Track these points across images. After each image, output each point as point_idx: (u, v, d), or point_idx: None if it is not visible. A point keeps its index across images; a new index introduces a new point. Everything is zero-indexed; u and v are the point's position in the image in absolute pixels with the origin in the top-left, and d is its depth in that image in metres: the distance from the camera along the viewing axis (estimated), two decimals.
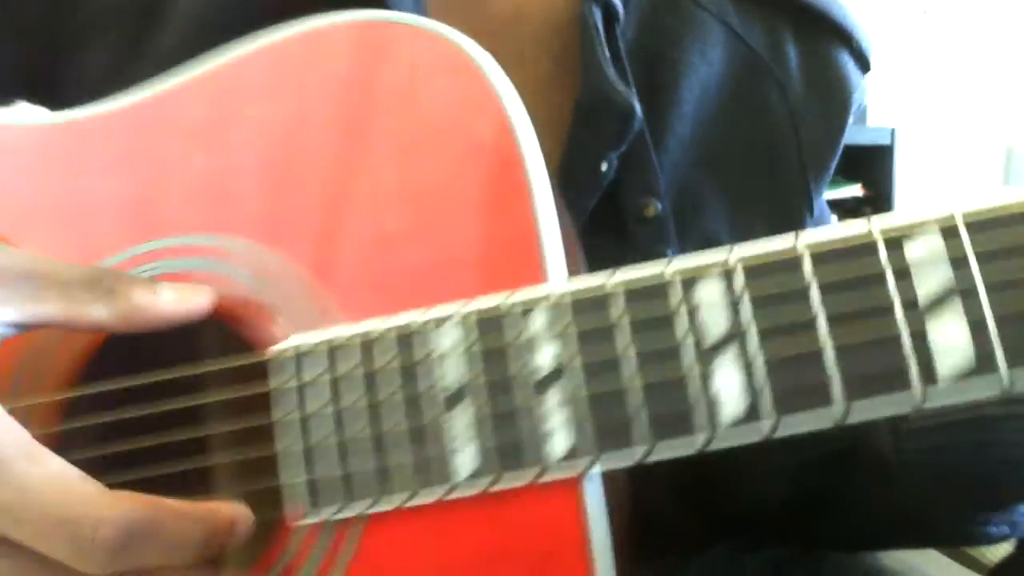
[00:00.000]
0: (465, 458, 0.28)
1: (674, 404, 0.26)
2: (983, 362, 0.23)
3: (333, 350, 0.30)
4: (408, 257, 0.32)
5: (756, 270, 0.26)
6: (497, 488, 0.28)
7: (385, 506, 0.29)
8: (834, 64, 0.48)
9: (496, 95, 0.33)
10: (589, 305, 0.27)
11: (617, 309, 0.27)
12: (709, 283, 0.26)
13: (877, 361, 0.24)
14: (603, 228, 0.42)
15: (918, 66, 2.93)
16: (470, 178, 0.32)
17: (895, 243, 0.25)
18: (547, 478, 0.28)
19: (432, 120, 0.33)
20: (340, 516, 0.30)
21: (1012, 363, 0.23)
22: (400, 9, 0.38)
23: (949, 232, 0.24)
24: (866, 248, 0.25)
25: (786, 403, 0.25)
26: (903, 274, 0.24)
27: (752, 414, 0.25)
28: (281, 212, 0.34)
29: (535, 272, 0.30)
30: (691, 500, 0.46)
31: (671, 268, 0.27)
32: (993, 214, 0.24)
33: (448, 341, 0.28)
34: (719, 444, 0.26)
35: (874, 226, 0.25)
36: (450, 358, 0.28)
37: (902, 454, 0.40)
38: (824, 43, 0.48)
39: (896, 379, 0.24)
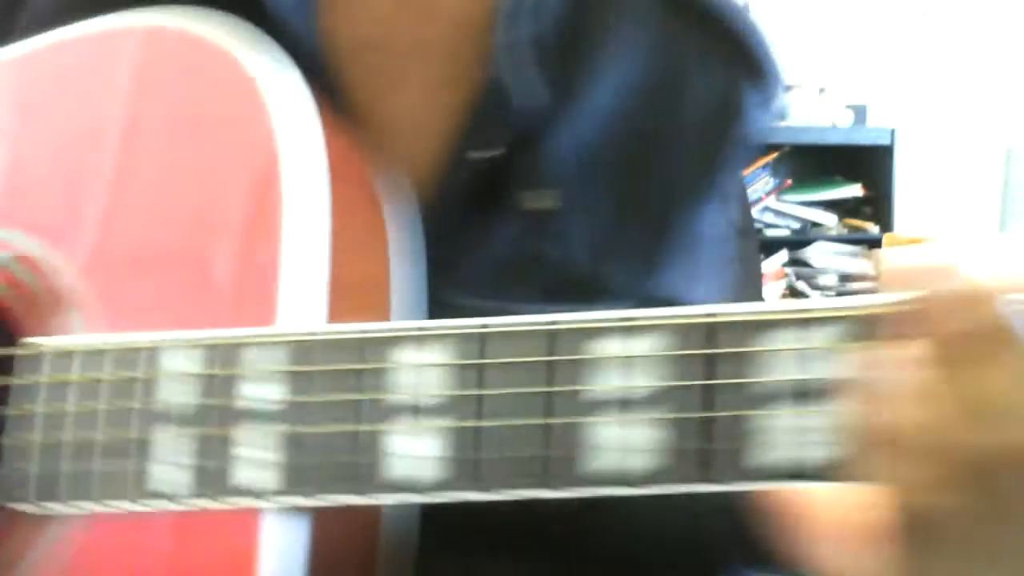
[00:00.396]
0: (164, 475, 0.30)
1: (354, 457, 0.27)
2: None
3: (68, 355, 0.31)
4: (167, 276, 0.33)
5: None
6: (189, 508, 0.29)
7: (98, 508, 0.30)
8: (736, 95, 0.47)
9: (270, 127, 0.33)
10: (305, 351, 0.29)
11: (323, 358, 0.28)
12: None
13: None
14: (489, 215, 0.42)
15: (918, 66, 2.93)
16: (232, 206, 0.33)
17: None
18: (232, 506, 0.29)
19: (202, 139, 0.34)
20: (60, 513, 0.31)
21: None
22: (282, 9, 0.39)
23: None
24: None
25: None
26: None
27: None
28: (63, 214, 0.35)
29: (270, 309, 0.31)
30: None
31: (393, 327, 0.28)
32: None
33: (174, 365, 0.30)
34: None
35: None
36: (172, 381, 0.30)
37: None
38: (732, 72, 0.47)
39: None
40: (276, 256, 0.31)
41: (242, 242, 0.32)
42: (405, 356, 0.28)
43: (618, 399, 0.25)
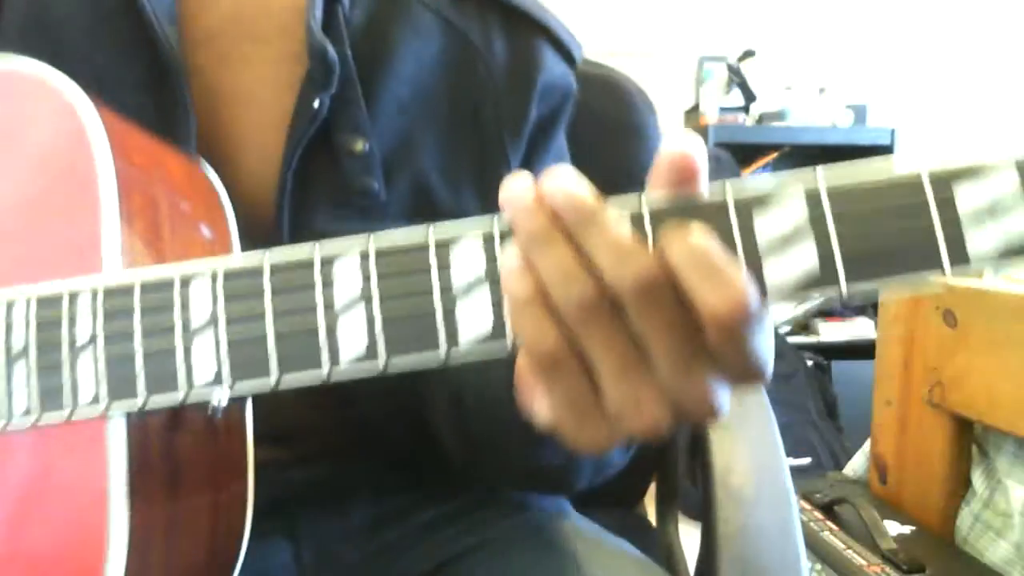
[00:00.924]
0: (19, 399, 0.39)
1: (304, 347, 0.36)
2: (497, 332, 0.34)
3: None
4: (10, 250, 0.43)
5: (385, 252, 0.36)
6: (42, 424, 0.39)
7: None
8: (531, 50, 0.60)
9: (80, 122, 0.43)
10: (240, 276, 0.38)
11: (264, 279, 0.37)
12: (346, 260, 0.36)
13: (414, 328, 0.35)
14: (321, 160, 0.54)
15: (918, 66, 2.93)
16: (55, 191, 0.43)
17: (445, 244, 0.35)
18: (75, 418, 0.38)
19: (26, 142, 0.44)
20: None
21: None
22: (161, 21, 0.51)
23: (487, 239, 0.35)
24: (420, 248, 0.35)
25: (394, 347, 0.35)
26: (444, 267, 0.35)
27: (370, 354, 0.35)
28: None
29: (95, 265, 0.40)
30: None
31: (319, 248, 0.37)
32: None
33: (17, 314, 0.40)
34: (341, 377, 0.36)
35: (429, 234, 0.36)
36: (16, 327, 0.40)
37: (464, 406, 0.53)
38: (524, 34, 0.60)
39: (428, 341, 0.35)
40: (96, 228, 0.41)
41: (66, 219, 0.42)
42: (344, 267, 0.37)
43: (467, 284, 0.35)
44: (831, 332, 2.70)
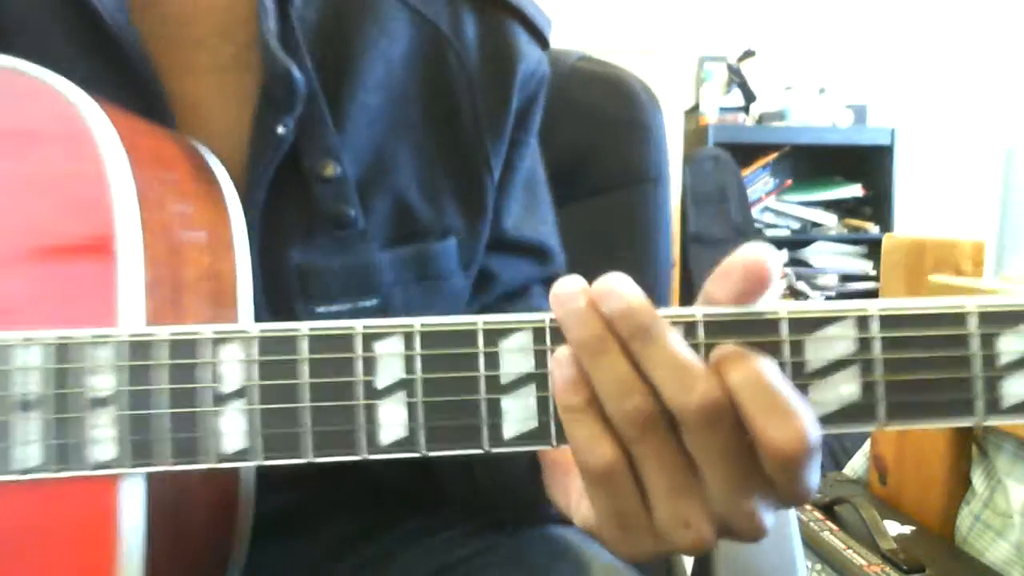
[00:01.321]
0: (29, 452, 0.36)
1: (341, 426, 0.35)
2: (543, 431, 0.34)
3: None
4: (15, 283, 0.38)
5: (431, 336, 0.34)
6: (51, 478, 0.35)
7: None
8: (507, 35, 0.55)
9: (102, 165, 0.39)
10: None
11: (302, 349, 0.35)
12: (390, 340, 0.35)
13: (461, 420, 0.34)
14: (290, 189, 0.48)
15: (918, 66, 2.93)
16: (66, 223, 0.39)
17: (495, 333, 0.34)
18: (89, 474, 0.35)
19: (37, 167, 0.40)
20: None
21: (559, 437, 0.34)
22: (105, 9, 0.45)
23: (537, 333, 0.34)
24: (467, 332, 0.34)
25: (434, 437, 0.35)
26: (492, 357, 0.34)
27: (409, 441, 0.34)
28: None
29: (109, 314, 0.37)
30: None
31: (362, 326, 0.35)
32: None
33: (31, 359, 0.35)
34: (377, 458, 0.34)
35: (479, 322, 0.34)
36: (30, 372, 0.35)
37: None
38: (499, 18, 0.55)
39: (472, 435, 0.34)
40: (113, 272, 0.38)
41: (78, 257, 0.39)
42: (386, 348, 0.35)
43: (514, 381, 0.34)
44: None
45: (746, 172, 2.85)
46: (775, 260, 0.32)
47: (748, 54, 2.86)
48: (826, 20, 2.94)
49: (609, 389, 0.31)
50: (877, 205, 2.97)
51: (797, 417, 0.29)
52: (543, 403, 0.34)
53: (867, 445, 1.35)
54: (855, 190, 3.00)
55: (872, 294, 2.68)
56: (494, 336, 0.34)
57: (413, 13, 0.53)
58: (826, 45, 2.94)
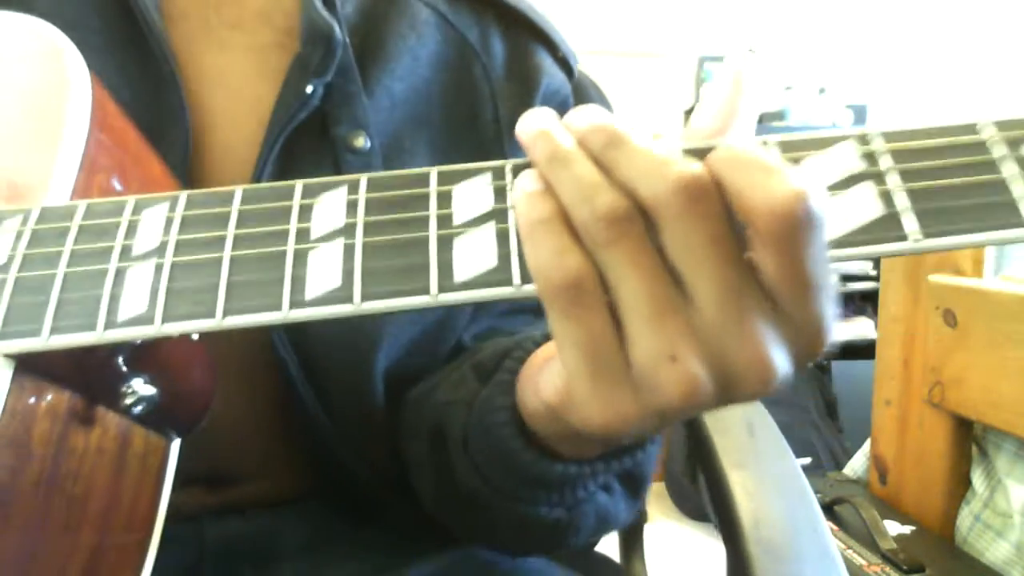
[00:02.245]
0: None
1: (263, 278, 0.30)
2: (503, 266, 0.29)
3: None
4: None
5: (379, 182, 0.31)
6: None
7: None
8: (531, 56, 0.57)
9: (64, 66, 0.38)
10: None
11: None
12: (334, 191, 0.31)
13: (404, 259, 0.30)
14: (309, 155, 0.49)
15: (918, 66, 2.93)
16: (31, 122, 0.37)
17: (448, 179, 0.31)
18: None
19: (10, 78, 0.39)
20: None
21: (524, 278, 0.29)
22: None
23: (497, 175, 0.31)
24: (418, 179, 0.31)
25: (373, 280, 0.29)
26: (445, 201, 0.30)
27: (343, 290, 0.29)
28: None
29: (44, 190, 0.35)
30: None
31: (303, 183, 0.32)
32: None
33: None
34: (303, 318, 0.29)
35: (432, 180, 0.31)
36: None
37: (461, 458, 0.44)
38: (524, 39, 0.57)
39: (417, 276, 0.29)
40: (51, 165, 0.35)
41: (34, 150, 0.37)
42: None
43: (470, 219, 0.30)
44: None
45: None
46: (751, 64, 0.30)
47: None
48: (826, 20, 2.93)
49: (577, 194, 0.27)
50: None
51: (786, 177, 0.25)
52: (503, 236, 0.29)
53: (867, 445, 1.35)
54: None
55: (872, 294, 2.68)
56: (449, 177, 0.30)
57: (444, 22, 0.56)
58: (826, 45, 2.94)
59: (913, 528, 1.16)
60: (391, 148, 0.52)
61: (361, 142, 0.49)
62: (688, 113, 2.98)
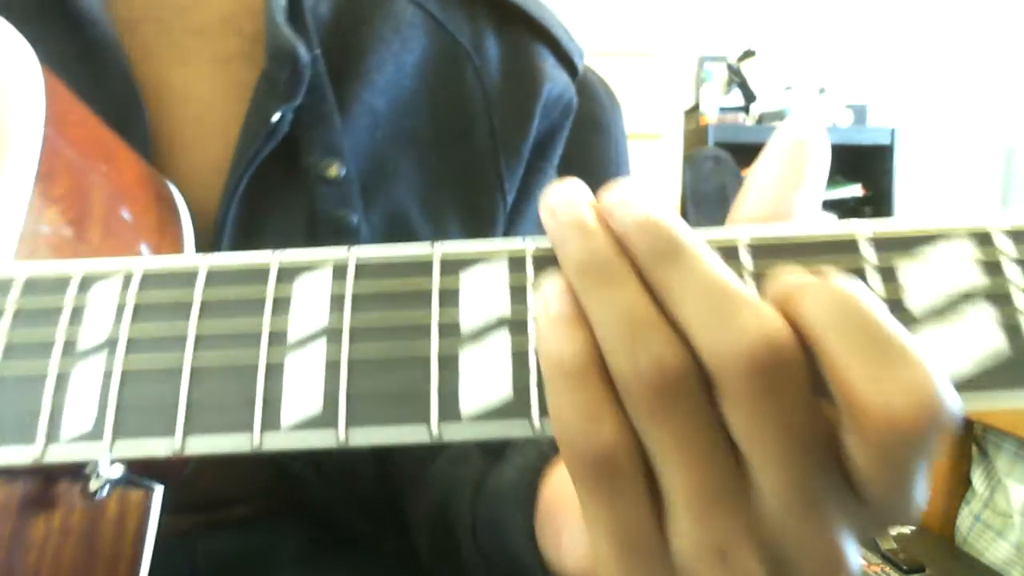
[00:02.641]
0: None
1: (232, 395, 0.25)
2: (519, 402, 0.23)
3: None
4: None
5: (369, 269, 0.26)
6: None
7: None
8: (530, 56, 0.50)
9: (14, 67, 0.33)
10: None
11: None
12: (316, 273, 0.26)
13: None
14: (279, 188, 0.44)
15: (918, 66, 2.93)
16: None
17: (455, 264, 0.25)
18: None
19: None
20: None
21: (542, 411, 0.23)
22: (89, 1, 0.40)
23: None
24: (419, 263, 0.26)
25: (364, 408, 0.25)
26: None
27: (326, 417, 0.24)
28: None
29: None
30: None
31: (278, 257, 0.26)
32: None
33: None
34: (277, 446, 0.24)
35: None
36: None
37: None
38: (522, 38, 0.51)
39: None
40: None
41: None
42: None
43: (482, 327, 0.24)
44: None
45: (746, 172, 2.85)
46: (818, 134, 0.24)
47: (748, 54, 2.86)
48: (826, 20, 2.94)
49: (617, 333, 0.21)
50: (877, 205, 2.97)
51: (915, 364, 0.19)
52: (520, 360, 0.23)
53: None
54: (855, 190, 3.00)
55: None
56: (456, 263, 0.25)
57: (432, 22, 0.49)
58: (826, 45, 2.94)
59: (913, 528, 1.16)
60: (372, 173, 0.46)
61: (335, 171, 0.44)
62: (688, 113, 2.98)
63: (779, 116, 2.86)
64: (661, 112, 2.89)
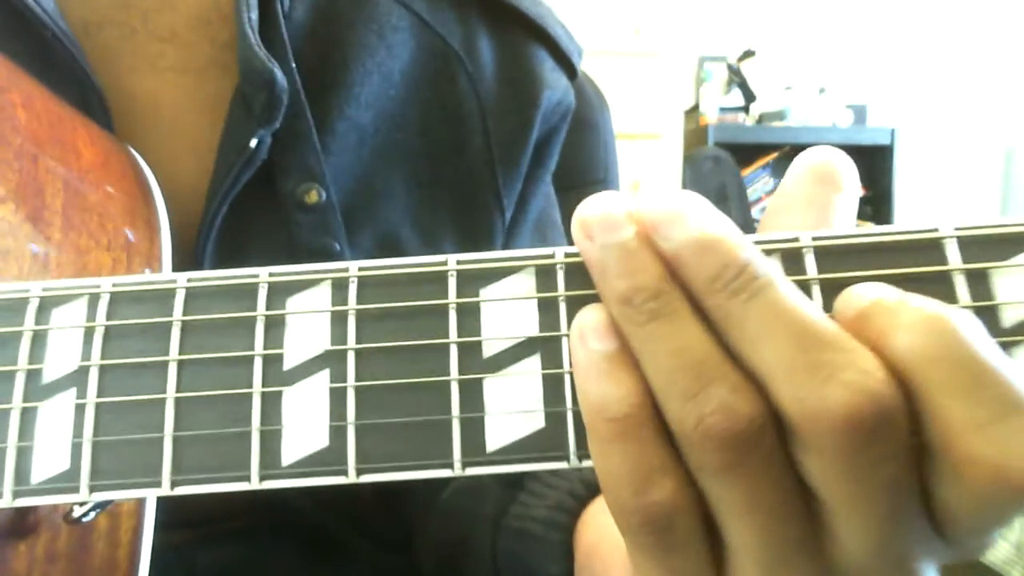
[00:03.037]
0: None
1: (225, 428, 0.22)
2: (552, 433, 0.21)
3: None
4: None
5: (370, 285, 0.23)
6: None
7: None
8: (527, 60, 0.46)
9: None
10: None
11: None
12: (309, 293, 0.23)
13: None
14: (260, 215, 0.40)
15: (918, 66, 2.93)
16: None
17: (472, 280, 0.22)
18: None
19: None
20: None
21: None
22: (40, 3, 0.36)
23: None
24: (433, 279, 0.23)
25: (374, 447, 0.22)
26: None
27: (333, 454, 0.22)
28: None
29: None
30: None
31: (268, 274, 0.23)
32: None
33: None
34: (276, 486, 0.22)
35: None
36: None
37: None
38: (518, 39, 0.47)
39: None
40: None
41: None
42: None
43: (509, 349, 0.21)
44: None
45: (746, 172, 2.85)
46: (844, 162, 0.22)
47: (748, 54, 2.86)
48: (826, 20, 2.94)
49: (674, 377, 0.18)
50: (877, 205, 2.97)
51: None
52: (553, 385, 0.20)
53: None
54: None
55: None
56: (475, 277, 0.22)
57: (420, 24, 0.45)
58: (826, 45, 2.94)
59: None
60: (359, 194, 0.43)
61: (314, 197, 0.41)
62: (688, 113, 2.98)
63: (779, 116, 2.87)
64: (661, 112, 2.88)
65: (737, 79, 2.87)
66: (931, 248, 0.20)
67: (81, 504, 0.25)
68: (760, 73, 2.88)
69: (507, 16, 0.47)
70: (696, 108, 2.96)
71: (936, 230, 0.20)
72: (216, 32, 0.42)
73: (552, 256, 0.21)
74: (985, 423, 0.17)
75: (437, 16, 0.45)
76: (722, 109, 2.91)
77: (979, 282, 0.19)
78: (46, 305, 0.23)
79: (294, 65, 0.40)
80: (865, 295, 0.19)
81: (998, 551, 1.12)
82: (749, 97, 2.87)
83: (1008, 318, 0.19)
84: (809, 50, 2.95)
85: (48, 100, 0.34)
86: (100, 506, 0.27)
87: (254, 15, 0.39)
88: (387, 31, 0.44)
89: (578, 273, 0.21)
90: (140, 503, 0.32)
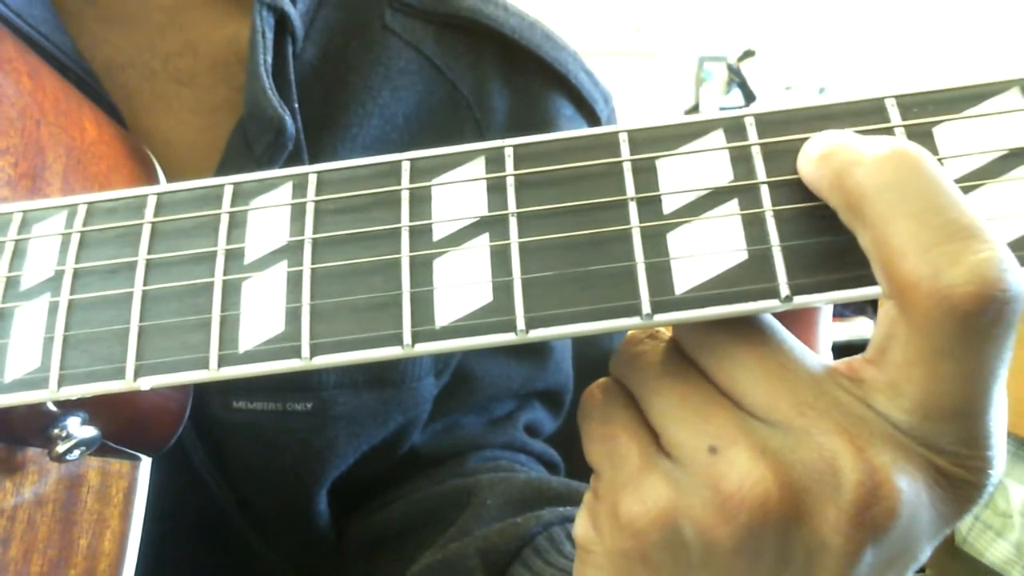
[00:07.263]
0: None
1: (186, 318, 0.24)
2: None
3: None
4: None
5: (333, 182, 0.24)
6: None
7: None
8: (543, 106, 0.45)
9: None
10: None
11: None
12: (275, 192, 0.24)
13: None
14: None
15: (918, 66, 2.94)
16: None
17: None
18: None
19: None
20: None
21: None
22: (59, 46, 0.37)
23: None
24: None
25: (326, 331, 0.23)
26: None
27: (285, 340, 0.23)
28: None
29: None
30: None
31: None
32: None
33: None
34: (223, 377, 0.23)
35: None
36: None
37: None
38: (535, 85, 0.45)
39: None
40: None
41: None
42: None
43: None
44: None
45: None
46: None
47: (748, 54, 2.87)
48: (826, 20, 2.94)
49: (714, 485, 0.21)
50: None
51: (977, 234, 0.17)
52: (500, 257, 0.22)
53: None
54: None
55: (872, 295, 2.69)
56: (427, 170, 0.23)
57: (431, 69, 0.44)
58: (826, 45, 2.94)
59: None
60: None
61: None
62: (688, 113, 2.98)
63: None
64: (661, 112, 2.89)
65: (737, 79, 2.87)
66: (873, 112, 0.21)
67: (65, 438, 0.26)
68: (760, 73, 2.88)
69: (524, 62, 0.45)
70: (696, 108, 2.97)
71: (879, 97, 0.21)
72: (233, 75, 0.42)
73: (501, 148, 0.23)
74: (930, 245, 0.17)
75: (449, 61, 0.44)
76: (722, 109, 2.91)
77: (924, 140, 0.21)
78: (28, 221, 0.25)
79: (297, 106, 0.40)
80: (830, 137, 0.20)
81: (998, 551, 1.12)
82: (749, 97, 2.87)
83: (950, 172, 0.20)
84: (809, 50, 2.95)
85: (56, 79, 0.35)
86: (84, 444, 0.27)
87: (269, 57, 0.39)
88: (394, 74, 0.43)
89: (527, 159, 0.23)
90: (134, 467, 0.32)
